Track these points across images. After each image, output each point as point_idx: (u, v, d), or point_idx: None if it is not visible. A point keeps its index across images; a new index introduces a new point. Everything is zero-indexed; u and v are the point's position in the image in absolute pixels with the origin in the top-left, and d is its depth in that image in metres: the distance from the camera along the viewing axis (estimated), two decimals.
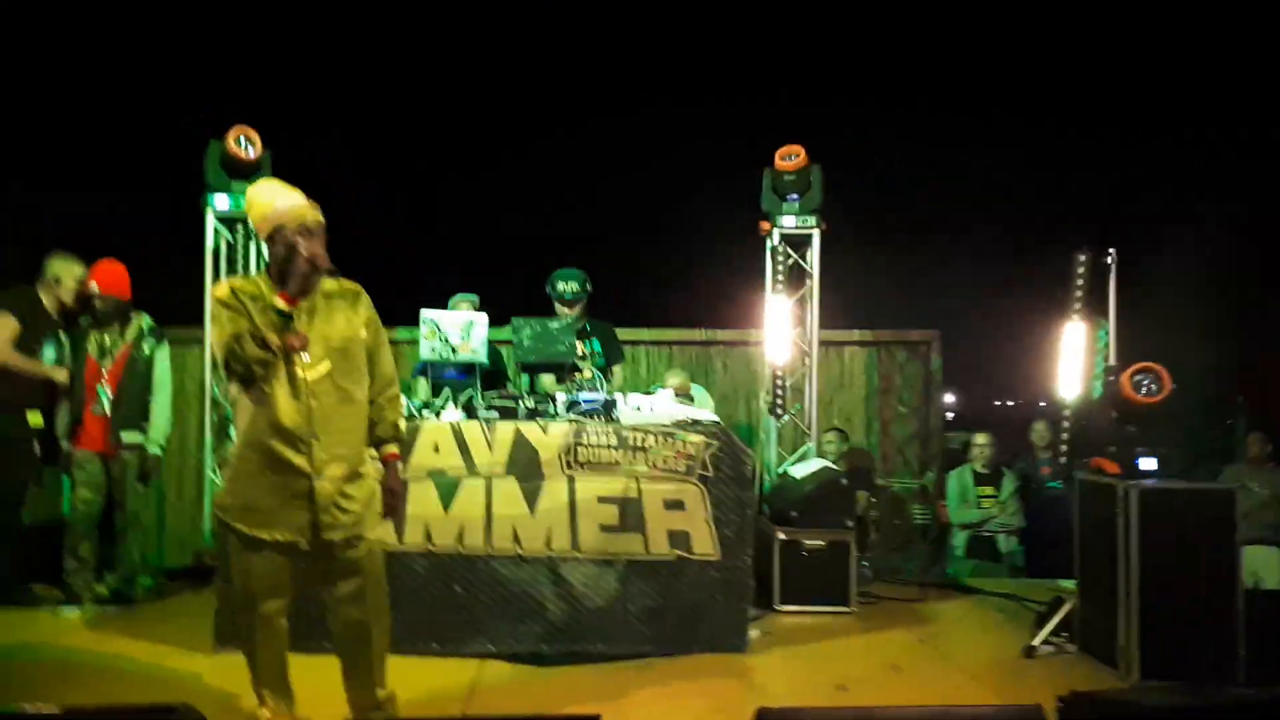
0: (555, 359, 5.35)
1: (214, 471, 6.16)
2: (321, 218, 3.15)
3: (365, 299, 3.28)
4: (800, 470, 5.97)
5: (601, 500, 4.55)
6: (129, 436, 5.36)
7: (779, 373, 6.51)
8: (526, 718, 2.74)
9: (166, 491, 6.87)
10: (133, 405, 5.38)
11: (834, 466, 6.08)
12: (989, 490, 6.86)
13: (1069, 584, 4.81)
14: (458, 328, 5.25)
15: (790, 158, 6.28)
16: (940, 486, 7.20)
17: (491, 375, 5.58)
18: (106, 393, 5.33)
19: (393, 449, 3.35)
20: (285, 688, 3.26)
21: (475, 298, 5.92)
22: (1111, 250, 5.34)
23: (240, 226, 6.27)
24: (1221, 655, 4.01)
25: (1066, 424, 5.49)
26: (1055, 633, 4.58)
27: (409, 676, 3.68)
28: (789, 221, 6.47)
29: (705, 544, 4.53)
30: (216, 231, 6.25)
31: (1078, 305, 5.36)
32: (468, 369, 5.30)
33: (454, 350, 5.27)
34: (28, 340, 5.25)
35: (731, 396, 7.62)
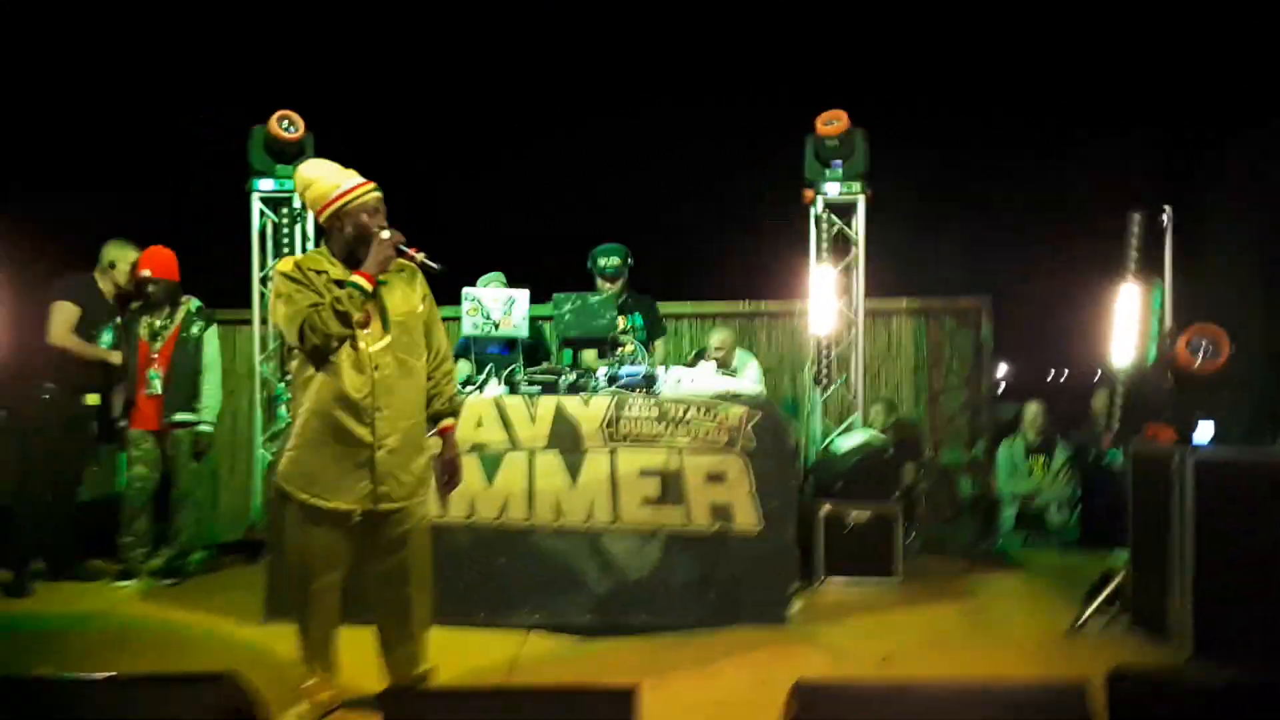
0: (597, 334, 5.34)
1: (264, 448, 6.28)
2: (379, 194, 3.22)
3: (420, 275, 3.35)
4: (846, 442, 5.91)
5: (643, 473, 4.55)
6: (181, 415, 5.48)
7: (824, 344, 6.43)
8: (564, 688, 2.74)
9: (219, 468, 7.02)
10: (184, 385, 5.51)
11: (880, 438, 6.01)
12: (1040, 461, 6.73)
13: (1121, 556, 4.70)
14: (499, 304, 5.27)
15: (832, 123, 6.14)
16: (991, 458, 7.08)
17: (532, 350, 5.60)
18: (158, 374, 5.45)
19: (449, 422, 3.43)
20: (333, 660, 3.32)
21: (502, 276, 5.92)
22: (1167, 208, 5.17)
23: (285, 209, 6.32)
24: (1278, 630, 3.89)
25: (1120, 391, 5.35)
26: (1107, 605, 4.48)
27: (453, 648, 3.74)
28: (833, 189, 6.35)
29: (748, 516, 4.51)
30: (262, 214, 6.33)
31: (1133, 267, 5.20)
32: (509, 344, 5.33)
33: (496, 326, 5.29)
34: (86, 325, 5.40)
35: (776, 368, 7.54)
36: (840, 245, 6.50)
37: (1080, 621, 4.43)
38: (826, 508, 5.32)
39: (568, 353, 5.64)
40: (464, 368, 5.37)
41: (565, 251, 6.48)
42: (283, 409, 6.26)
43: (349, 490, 3.14)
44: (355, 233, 3.16)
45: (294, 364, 3.25)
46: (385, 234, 3.14)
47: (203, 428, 5.56)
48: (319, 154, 6.02)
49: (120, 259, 5.53)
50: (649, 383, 4.76)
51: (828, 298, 6.37)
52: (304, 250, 6.37)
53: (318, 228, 6.34)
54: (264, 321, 6.32)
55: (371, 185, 3.22)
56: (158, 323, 5.52)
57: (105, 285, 5.53)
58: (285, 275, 3.14)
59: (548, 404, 4.64)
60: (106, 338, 5.49)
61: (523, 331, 5.17)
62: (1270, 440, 4.42)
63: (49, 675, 2.48)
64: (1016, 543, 6.53)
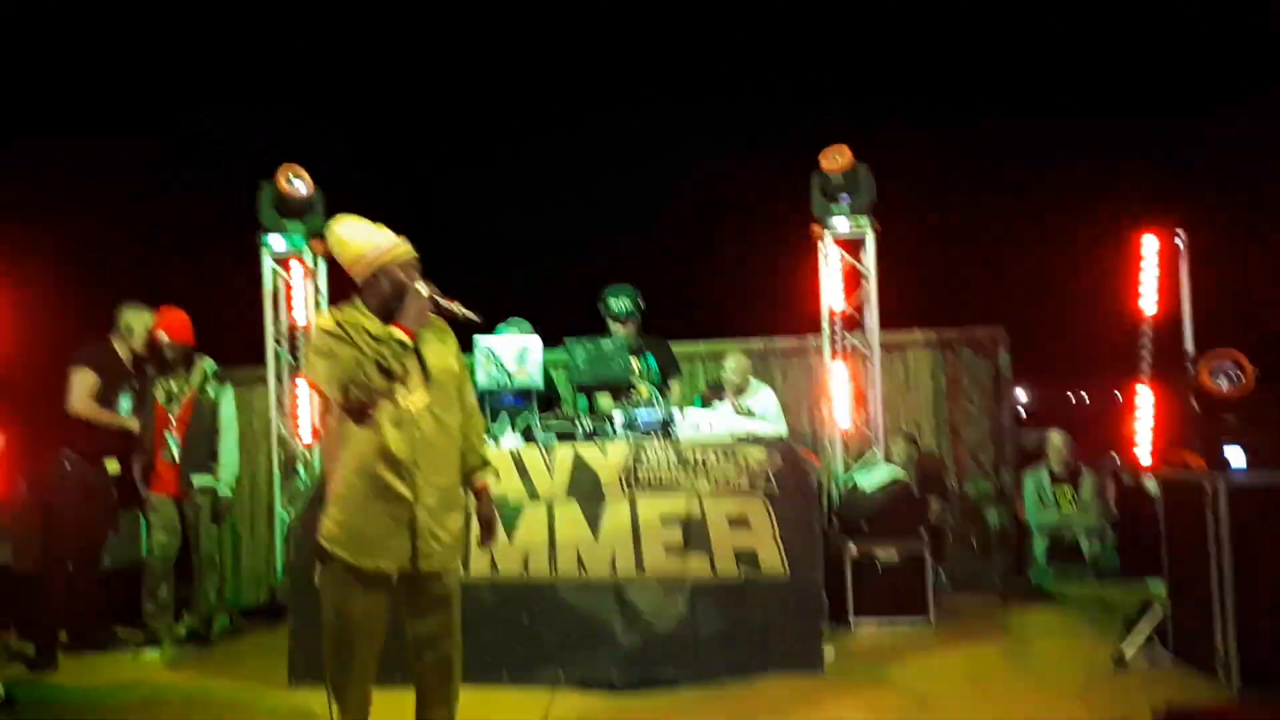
0: (611, 378, 5.31)
1: (284, 509, 6.24)
2: (414, 252, 3.25)
3: (451, 333, 3.36)
4: (869, 479, 5.83)
5: (665, 520, 4.49)
6: (199, 480, 5.47)
7: (840, 379, 6.37)
8: None
9: (239, 531, 6.99)
10: (201, 449, 5.50)
11: (903, 473, 5.93)
12: (1067, 490, 6.62)
13: (1159, 586, 4.60)
14: (512, 353, 5.25)
15: (835, 159, 6.15)
16: (1017, 488, 6.97)
17: (544, 397, 5.57)
18: (176, 438, 5.45)
19: (483, 478, 3.41)
20: None
21: (524, 322, 5.90)
22: (1180, 230, 5.13)
23: (294, 266, 6.34)
24: None
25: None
26: (1149, 638, 4.37)
27: (479, 709, 3.66)
28: (841, 224, 6.35)
29: (773, 561, 4.43)
30: (274, 272, 6.35)
31: (1149, 290, 5.16)
32: (523, 394, 5.29)
33: (510, 376, 5.26)
34: (105, 391, 5.40)
35: (793, 405, 7.47)
36: (852, 279, 6.47)
37: (1122, 656, 4.32)
38: (853, 548, 5.23)
39: (583, 399, 5.61)
40: None
41: (574, 295, 6.48)
42: (301, 469, 6.24)
43: (390, 550, 3.10)
44: (392, 288, 3.17)
45: (331, 421, 3.22)
46: (421, 287, 3.16)
47: (221, 492, 5.54)
48: (328, 205, 6.12)
49: (136, 324, 5.54)
50: (666, 427, 4.72)
51: (841, 333, 6.33)
52: (315, 306, 6.39)
53: (332, 282, 6.40)
54: (279, 379, 6.31)
55: (405, 244, 3.24)
56: (174, 386, 5.52)
57: (122, 350, 5.54)
58: (326, 331, 3.13)
59: (565, 453, 4.60)
60: (125, 403, 5.49)
61: (537, 381, 5.14)
62: None
63: None
64: (1050, 575, 6.40)
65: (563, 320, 5.94)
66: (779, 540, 4.44)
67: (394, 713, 3.28)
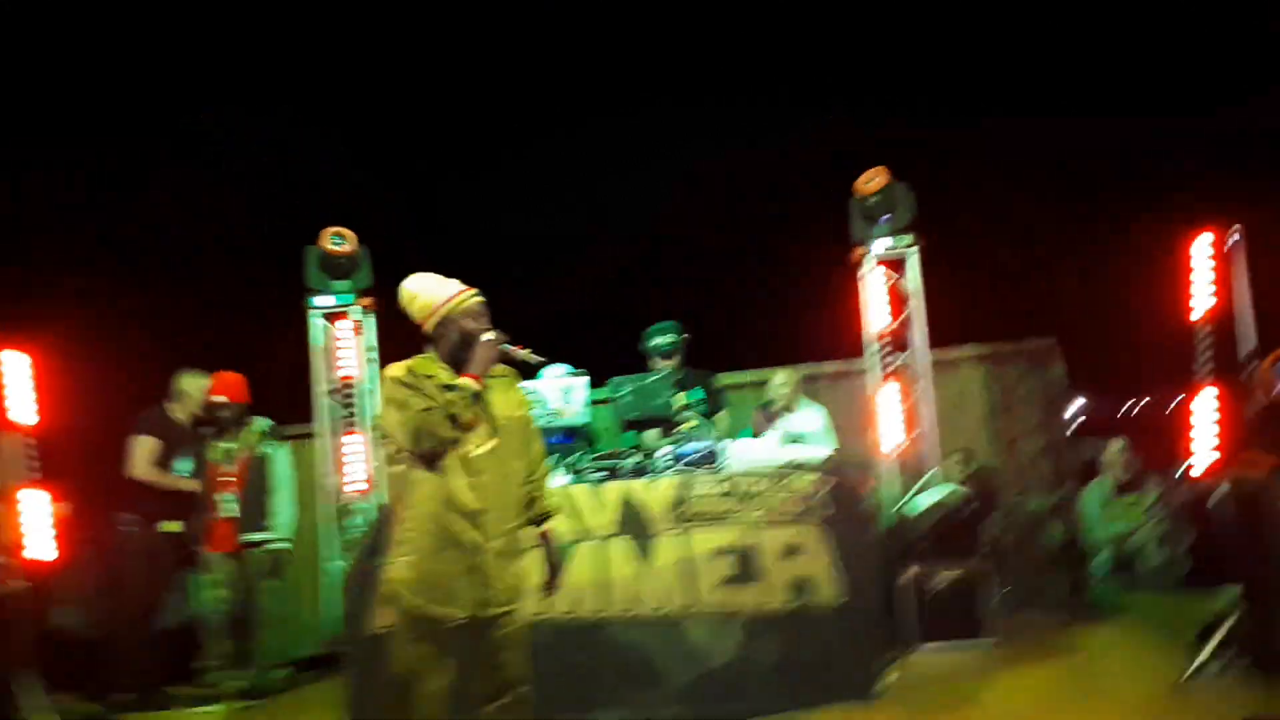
0: (657, 413, 5.31)
1: (338, 560, 6.31)
2: (482, 298, 3.31)
3: (518, 380, 3.44)
4: (925, 499, 5.73)
5: (717, 552, 4.46)
6: (257, 535, 5.56)
7: (890, 400, 6.29)
8: None
9: (294, 586, 7.06)
10: (257, 506, 5.62)
11: (959, 492, 5.81)
12: (1132, 499, 6.43)
13: (1231, 594, 4.43)
14: (558, 392, 5.28)
15: (871, 180, 6.12)
16: (1077, 500, 6.78)
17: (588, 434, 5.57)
18: (233, 496, 5.57)
19: (550, 524, 3.45)
20: None
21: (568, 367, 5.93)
22: (1238, 225, 4.99)
23: (341, 322, 6.46)
24: None
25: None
26: (1221, 650, 4.19)
27: None
28: (882, 245, 6.29)
29: (830, 588, 4.37)
30: (324, 329, 6.48)
31: (1205, 290, 5.02)
32: (571, 433, 5.31)
33: (557, 415, 5.30)
34: (165, 455, 5.55)
35: (844, 429, 7.36)
36: (897, 298, 6.40)
37: (1194, 671, 4.15)
38: (912, 571, 5.14)
39: (630, 434, 5.61)
40: None
41: (618, 334, 6.49)
42: (354, 520, 6.31)
43: (460, 596, 3.13)
44: (460, 338, 3.24)
45: (399, 469, 3.25)
46: (488, 336, 3.22)
47: (279, 544, 5.64)
48: (375, 263, 6.26)
49: (193, 389, 5.71)
50: (714, 458, 4.70)
51: (890, 354, 6.25)
52: (365, 361, 6.50)
53: (383, 336, 6.51)
54: (330, 433, 6.41)
55: (473, 291, 3.31)
56: (230, 446, 5.65)
57: (180, 414, 5.70)
58: (398, 381, 3.19)
59: (614, 490, 4.60)
60: (184, 466, 5.63)
61: (584, 418, 5.16)
62: None
63: None
64: (1115, 589, 6.20)
65: (609, 359, 5.95)
66: (835, 566, 4.37)
67: None
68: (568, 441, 5.36)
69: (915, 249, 6.26)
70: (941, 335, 6.71)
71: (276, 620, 5.67)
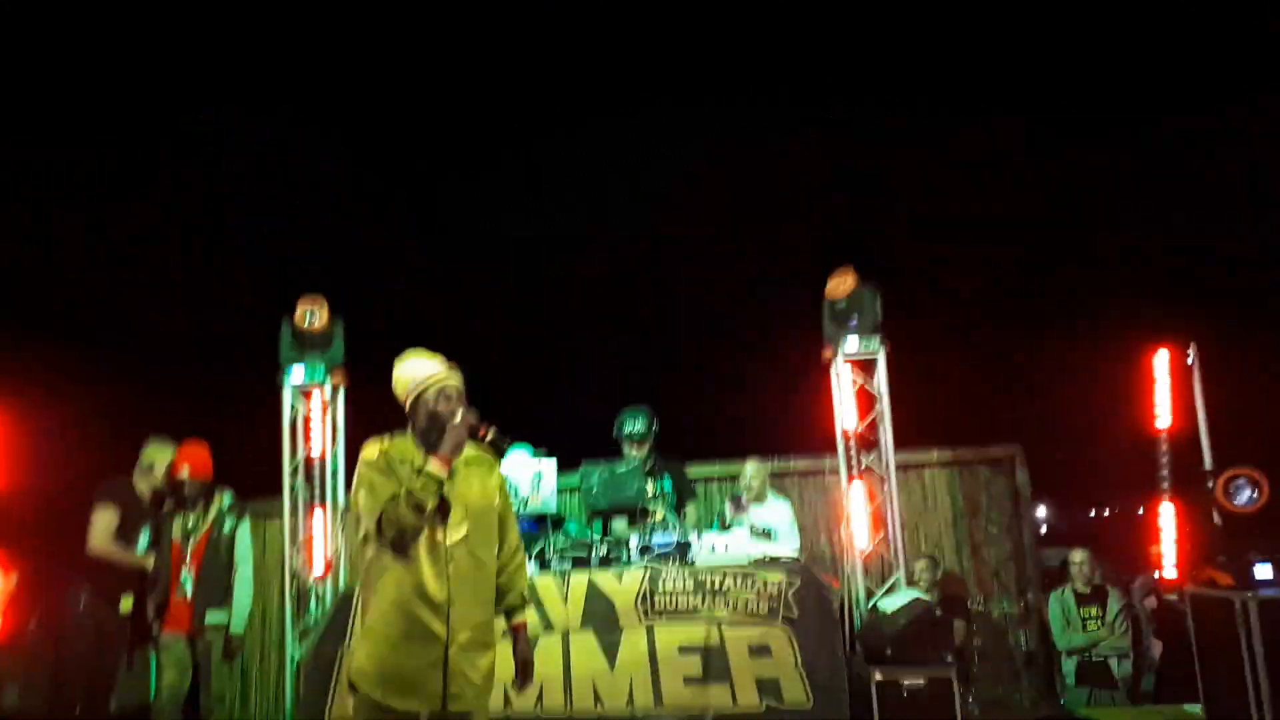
0: (626, 503, 5.30)
1: (295, 644, 6.14)
2: (460, 382, 3.27)
3: (498, 468, 3.36)
4: (891, 603, 5.70)
5: (683, 650, 4.40)
6: (212, 617, 5.41)
7: (858, 500, 6.32)
8: None
9: (249, 667, 6.85)
10: (215, 585, 5.46)
11: (925, 596, 5.80)
12: (1093, 611, 6.44)
13: (1195, 709, 4.44)
14: (527, 479, 5.26)
15: (840, 284, 6.24)
16: (1042, 608, 6.79)
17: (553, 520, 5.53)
18: (190, 576, 5.42)
19: (521, 618, 3.37)
20: None
21: (529, 448, 5.91)
22: (1193, 345, 5.15)
23: (313, 397, 6.42)
24: None
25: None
26: None
27: None
28: (852, 346, 6.40)
29: (796, 691, 4.32)
30: (294, 406, 6.42)
31: (1164, 406, 5.15)
32: (538, 520, 5.28)
33: (525, 503, 5.27)
34: (125, 528, 5.41)
35: (811, 527, 7.39)
36: (865, 400, 6.48)
37: None
38: (878, 676, 5.08)
39: (598, 524, 5.58)
40: None
41: (589, 419, 6.51)
42: (313, 603, 6.16)
43: (420, 690, 3.04)
44: (427, 420, 3.20)
45: (369, 552, 3.17)
46: (457, 418, 3.16)
47: (234, 630, 5.48)
48: (347, 337, 6.24)
49: (159, 459, 5.58)
50: (682, 551, 4.68)
51: (856, 455, 6.30)
52: (333, 439, 6.43)
53: (355, 413, 6.46)
54: (294, 513, 6.30)
55: (446, 371, 3.27)
56: (190, 522, 5.52)
57: (143, 486, 5.57)
58: (370, 464, 3.14)
59: (580, 581, 4.55)
60: (143, 540, 5.48)
61: (551, 507, 5.14)
62: None
63: None
64: (1082, 699, 6.17)
65: (579, 443, 5.95)
66: (801, 669, 4.34)
67: None
68: (533, 529, 5.31)
69: (882, 351, 6.37)
70: (909, 438, 6.79)
71: (229, 705, 5.46)
